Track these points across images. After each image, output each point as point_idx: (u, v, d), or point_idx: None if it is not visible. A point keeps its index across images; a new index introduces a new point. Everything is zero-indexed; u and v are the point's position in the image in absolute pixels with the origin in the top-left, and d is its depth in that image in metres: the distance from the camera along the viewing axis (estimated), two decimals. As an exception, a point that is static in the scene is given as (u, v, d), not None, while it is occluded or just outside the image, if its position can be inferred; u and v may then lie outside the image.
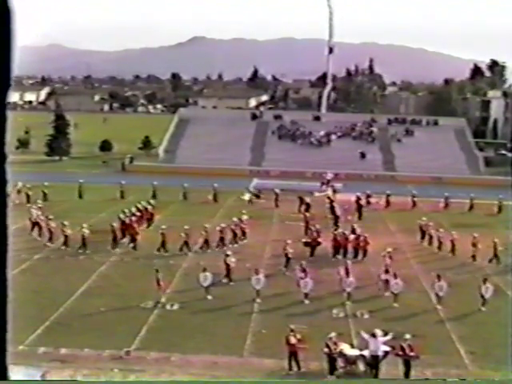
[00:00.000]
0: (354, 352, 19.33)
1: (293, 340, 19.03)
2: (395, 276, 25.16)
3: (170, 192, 46.61)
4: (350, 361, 19.21)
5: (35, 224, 34.66)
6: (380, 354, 18.87)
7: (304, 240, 33.23)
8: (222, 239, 32.92)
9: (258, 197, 47.71)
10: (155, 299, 24.26)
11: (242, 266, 28.36)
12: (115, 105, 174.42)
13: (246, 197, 47.40)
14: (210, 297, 24.97)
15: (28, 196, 43.06)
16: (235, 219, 35.01)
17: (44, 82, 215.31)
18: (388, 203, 46.04)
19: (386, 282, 25.67)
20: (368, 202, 44.96)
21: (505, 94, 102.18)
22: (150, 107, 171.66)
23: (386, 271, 26.23)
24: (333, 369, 18.81)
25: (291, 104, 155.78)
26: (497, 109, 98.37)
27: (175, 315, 23.44)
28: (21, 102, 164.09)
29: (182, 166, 61.01)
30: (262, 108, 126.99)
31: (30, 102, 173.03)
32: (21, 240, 30.94)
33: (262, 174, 60.20)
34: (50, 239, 32.83)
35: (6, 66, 1.63)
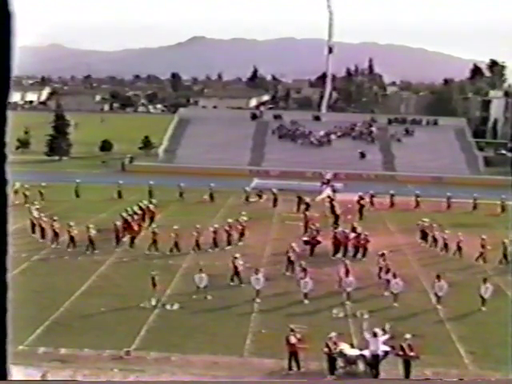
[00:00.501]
0: (354, 352, 19.33)
1: (293, 340, 19.03)
2: (395, 276, 25.15)
3: (169, 192, 46.57)
4: (350, 361, 19.21)
5: (36, 224, 34.58)
6: (380, 353, 18.88)
7: (304, 238, 33.26)
8: (215, 240, 32.70)
9: (260, 197, 47.73)
10: (155, 299, 24.22)
11: (242, 266, 28.29)
12: (115, 105, 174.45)
13: (254, 198, 47.25)
14: (209, 297, 24.97)
15: (26, 196, 42.95)
16: (230, 220, 34.71)
17: (44, 82, 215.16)
18: (392, 203, 46.00)
19: (387, 281, 25.65)
20: (371, 203, 44.94)
21: (506, 94, 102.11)
22: (151, 107, 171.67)
23: (387, 271, 26.22)
24: (333, 369, 18.81)
25: (292, 104, 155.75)
26: (497, 109, 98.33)
27: (175, 315, 23.43)
28: (21, 102, 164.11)
29: (182, 166, 60.97)
30: (262, 108, 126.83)
31: (31, 102, 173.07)
32: (21, 241, 30.91)
33: (262, 173, 60.14)
34: (54, 240, 32.75)
35: (6, 67, 1.63)
